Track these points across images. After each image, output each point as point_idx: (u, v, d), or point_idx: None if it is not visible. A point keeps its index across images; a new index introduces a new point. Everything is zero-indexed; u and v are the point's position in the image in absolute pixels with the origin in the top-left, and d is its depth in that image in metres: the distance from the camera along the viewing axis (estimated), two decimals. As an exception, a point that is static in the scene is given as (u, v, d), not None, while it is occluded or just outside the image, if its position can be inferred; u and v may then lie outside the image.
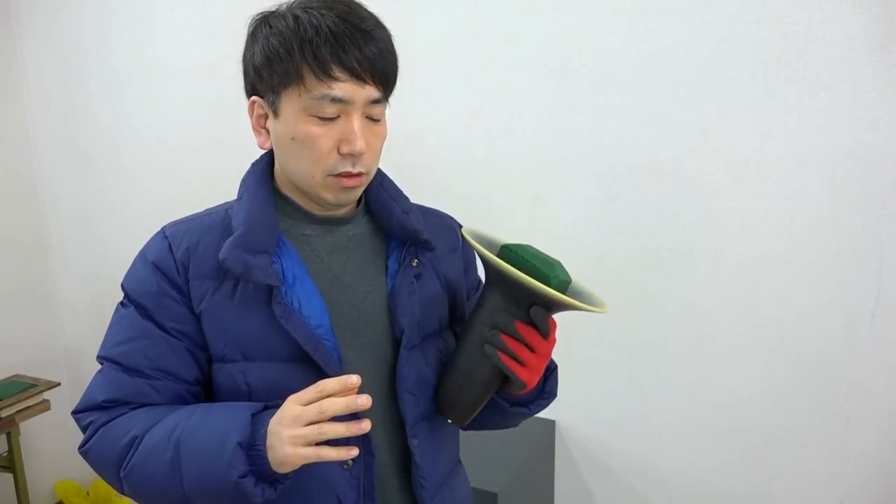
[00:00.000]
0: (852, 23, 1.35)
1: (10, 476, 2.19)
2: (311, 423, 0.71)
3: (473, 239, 0.82)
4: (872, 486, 1.49)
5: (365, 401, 0.71)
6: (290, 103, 0.80)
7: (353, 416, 0.75)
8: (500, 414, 0.93)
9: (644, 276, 1.62)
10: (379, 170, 0.93)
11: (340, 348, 0.85)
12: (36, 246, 2.52)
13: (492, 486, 1.47)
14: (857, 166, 1.39)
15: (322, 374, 0.80)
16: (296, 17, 0.79)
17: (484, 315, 0.82)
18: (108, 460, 0.82)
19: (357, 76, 0.78)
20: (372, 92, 0.80)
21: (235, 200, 0.88)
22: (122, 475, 0.80)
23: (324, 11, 0.78)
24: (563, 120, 1.65)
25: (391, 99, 0.86)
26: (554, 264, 0.79)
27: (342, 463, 0.83)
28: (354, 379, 0.72)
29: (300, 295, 0.84)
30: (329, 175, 0.82)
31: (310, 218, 0.88)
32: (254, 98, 0.85)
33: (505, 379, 0.85)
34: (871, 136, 1.37)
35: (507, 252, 0.82)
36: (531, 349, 0.80)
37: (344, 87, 0.78)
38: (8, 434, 2.14)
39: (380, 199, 0.92)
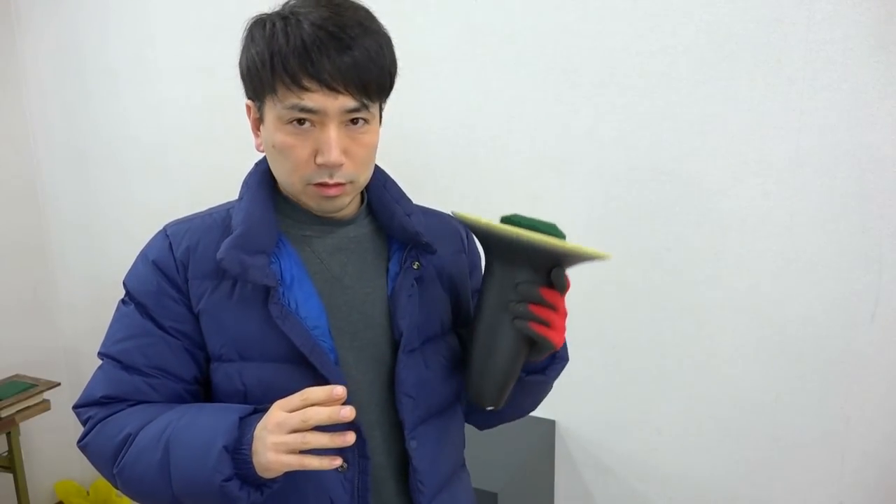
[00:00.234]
0: (852, 23, 1.35)
1: (10, 476, 2.19)
2: (294, 430, 0.71)
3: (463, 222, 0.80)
4: (872, 486, 1.49)
5: (348, 412, 0.71)
6: (269, 111, 0.80)
7: (349, 425, 0.74)
8: (519, 391, 0.91)
9: (644, 276, 1.62)
10: (382, 171, 0.93)
11: (338, 350, 0.84)
12: (36, 246, 2.52)
13: (492, 486, 1.47)
14: (857, 166, 1.39)
15: (318, 376, 0.80)
16: (273, 25, 0.77)
17: (503, 292, 0.80)
18: (103, 456, 0.82)
19: (328, 86, 0.76)
20: (347, 102, 0.77)
21: (237, 200, 0.88)
22: (115, 472, 0.81)
23: (306, 18, 0.76)
24: (563, 120, 1.65)
25: (391, 99, 0.85)
26: (551, 223, 0.78)
27: None
28: (339, 390, 0.71)
29: (298, 296, 0.83)
30: (308, 184, 0.81)
31: (310, 219, 0.88)
32: (247, 102, 0.85)
33: (531, 346, 0.83)
34: (871, 136, 1.37)
35: (511, 224, 0.79)
36: (555, 310, 0.79)
37: (315, 98, 0.76)
38: (8, 434, 2.15)
39: (382, 200, 0.92)
